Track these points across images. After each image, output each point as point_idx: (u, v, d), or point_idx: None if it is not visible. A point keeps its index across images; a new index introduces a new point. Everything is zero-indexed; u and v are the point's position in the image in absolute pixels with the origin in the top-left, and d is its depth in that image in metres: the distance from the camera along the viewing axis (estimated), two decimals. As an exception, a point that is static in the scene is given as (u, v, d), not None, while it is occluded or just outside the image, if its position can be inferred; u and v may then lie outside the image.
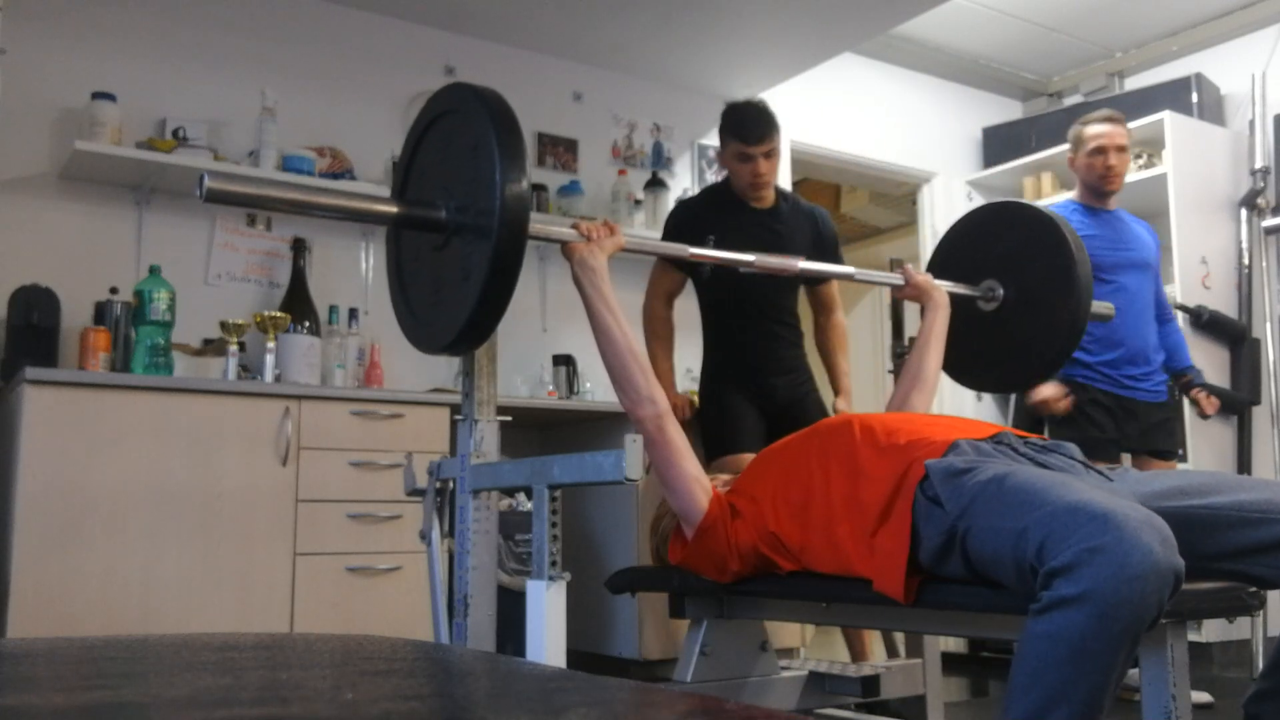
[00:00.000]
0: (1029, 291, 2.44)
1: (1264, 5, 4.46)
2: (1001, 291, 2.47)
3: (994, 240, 2.53)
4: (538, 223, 1.83)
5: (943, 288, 2.43)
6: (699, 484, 1.88)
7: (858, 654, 3.03)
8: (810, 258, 2.97)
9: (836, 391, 3.12)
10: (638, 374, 1.89)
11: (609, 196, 4.18)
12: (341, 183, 3.56)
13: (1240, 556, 1.57)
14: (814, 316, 3.21)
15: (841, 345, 3.19)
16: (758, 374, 2.96)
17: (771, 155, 2.91)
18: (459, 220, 1.73)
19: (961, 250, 2.59)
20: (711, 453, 2.91)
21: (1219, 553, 1.58)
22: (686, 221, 2.98)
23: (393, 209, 1.78)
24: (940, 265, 2.59)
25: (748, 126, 2.89)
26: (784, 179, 4.38)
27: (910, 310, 3.79)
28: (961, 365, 2.53)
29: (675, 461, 1.88)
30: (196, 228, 3.51)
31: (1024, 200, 2.83)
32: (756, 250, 2.92)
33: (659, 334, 3.04)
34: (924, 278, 2.42)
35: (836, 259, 3.05)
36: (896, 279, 2.44)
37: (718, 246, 2.88)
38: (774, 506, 1.81)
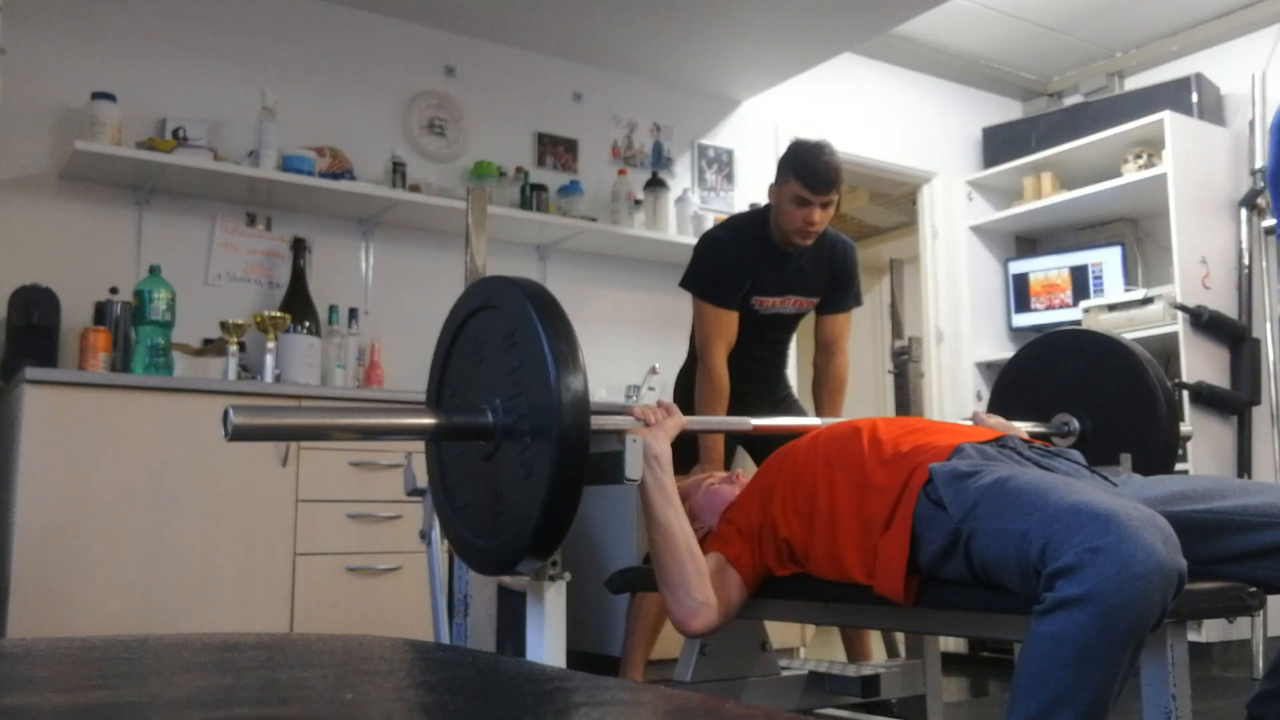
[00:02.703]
0: (1107, 419, 2.29)
1: (1264, 5, 4.46)
2: (1077, 425, 2.32)
3: (1055, 372, 2.38)
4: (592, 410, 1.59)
5: (1018, 427, 2.28)
6: (742, 590, 1.80)
7: (856, 654, 3.02)
8: (825, 289, 2.96)
9: None
10: (694, 577, 1.72)
11: (609, 196, 4.18)
12: (341, 183, 3.56)
13: (1243, 560, 1.57)
14: (815, 355, 3.11)
15: (837, 398, 3.05)
16: (744, 397, 2.93)
17: (829, 206, 2.79)
18: (509, 424, 1.55)
19: (1022, 388, 2.45)
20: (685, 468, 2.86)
21: (1221, 556, 1.58)
22: (725, 264, 2.87)
23: (431, 421, 1.59)
24: (1002, 407, 2.44)
25: (817, 174, 2.73)
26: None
27: (910, 310, 3.78)
28: None
29: (732, 612, 1.79)
30: (196, 228, 3.51)
31: (1081, 327, 2.67)
32: (783, 290, 2.90)
33: (720, 408, 2.79)
34: (995, 420, 2.27)
35: (850, 289, 3.02)
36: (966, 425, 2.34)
37: (751, 291, 2.86)
38: (784, 513, 1.80)
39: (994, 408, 2.47)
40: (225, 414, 1.39)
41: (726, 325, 2.85)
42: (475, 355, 1.68)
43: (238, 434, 1.40)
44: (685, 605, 1.71)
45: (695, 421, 1.92)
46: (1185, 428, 2.45)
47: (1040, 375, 2.44)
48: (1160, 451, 2.23)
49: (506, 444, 1.56)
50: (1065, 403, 2.36)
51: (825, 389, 3.05)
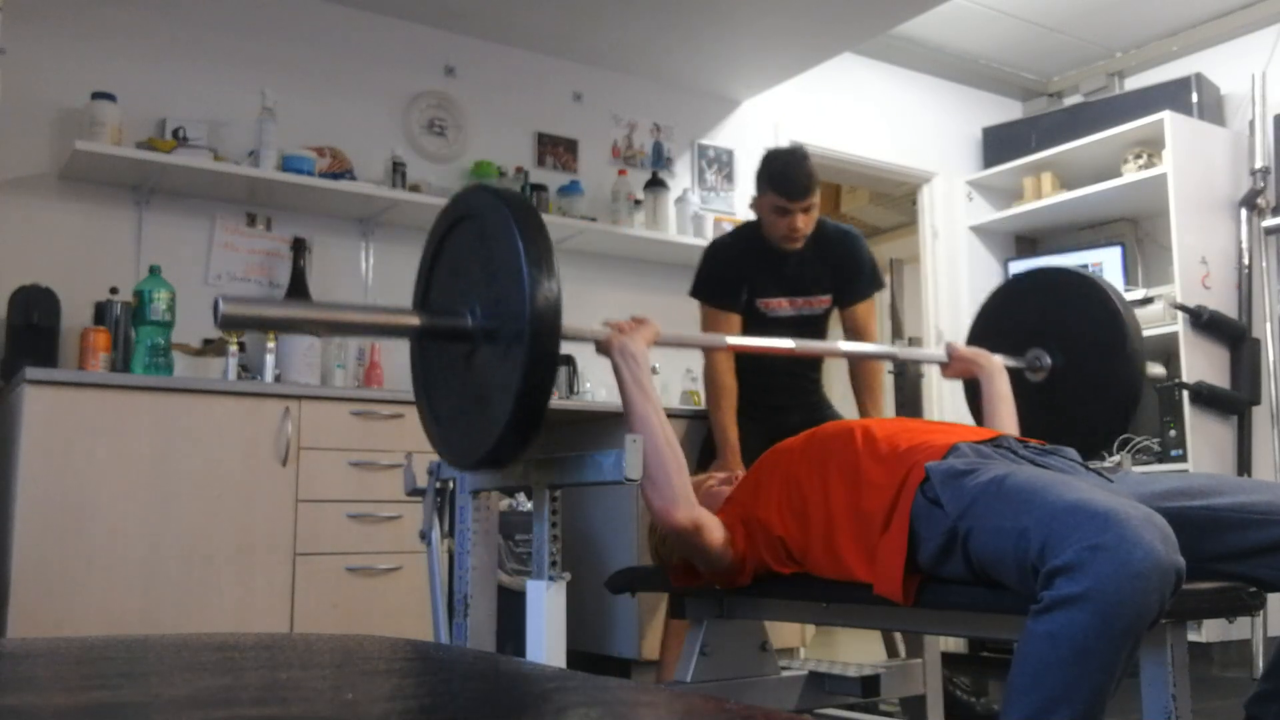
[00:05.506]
0: (1079, 359, 2.33)
1: (1264, 5, 4.45)
2: (1049, 361, 2.36)
3: (1034, 308, 2.43)
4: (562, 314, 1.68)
5: (995, 359, 2.32)
6: (726, 544, 1.82)
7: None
8: (835, 285, 2.95)
9: None
10: (675, 473, 1.76)
11: (609, 196, 4.18)
12: (341, 183, 3.56)
13: (1241, 558, 1.57)
14: None
15: (872, 388, 3.01)
16: (776, 411, 2.91)
17: (810, 210, 2.79)
18: (487, 327, 1.62)
19: (1000, 321, 2.49)
20: (702, 468, 2.86)
21: (1219, 554, 1.58)
22: (722, 270, 2.91)
23: (415, 321, 1.69)
24: (980, 338, 2.48)
25: (790, 181, 2.75)
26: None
27: (910, 310, 3.79)
28: None
29: (710, 545, 1.80)
30: (196, 228, 3.50)
31: (1063, 265, 2.72)
32: (784, 290, 2.91)
33: (726, 402, 2.80)
34: (969, 349, 2.33)
35: (858, 276, 2.99)
36: (940, 356, 2.36)
37: (752, 294, 2.88)
38: (780, 513, 1.81)
39: (972, 340, 2.50)
40: (215, 303, 1.47)
41: (724, 325, 2.87)
42: (458, 262, 1.76)
43: (226, 322, 1.49)
44: (666, 495, 1.76)
45: (670, 335, 1.99)
46: (1154, 369, 2.48)
47: (1018, 310, 2.48)
48: (1122, 394, 2.26)
49: (484, 346, 1.63)
50: (1038, 338, 2.41)
51: (860, 377, 3.03)
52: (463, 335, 1.66)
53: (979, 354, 2.31)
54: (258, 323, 1.57)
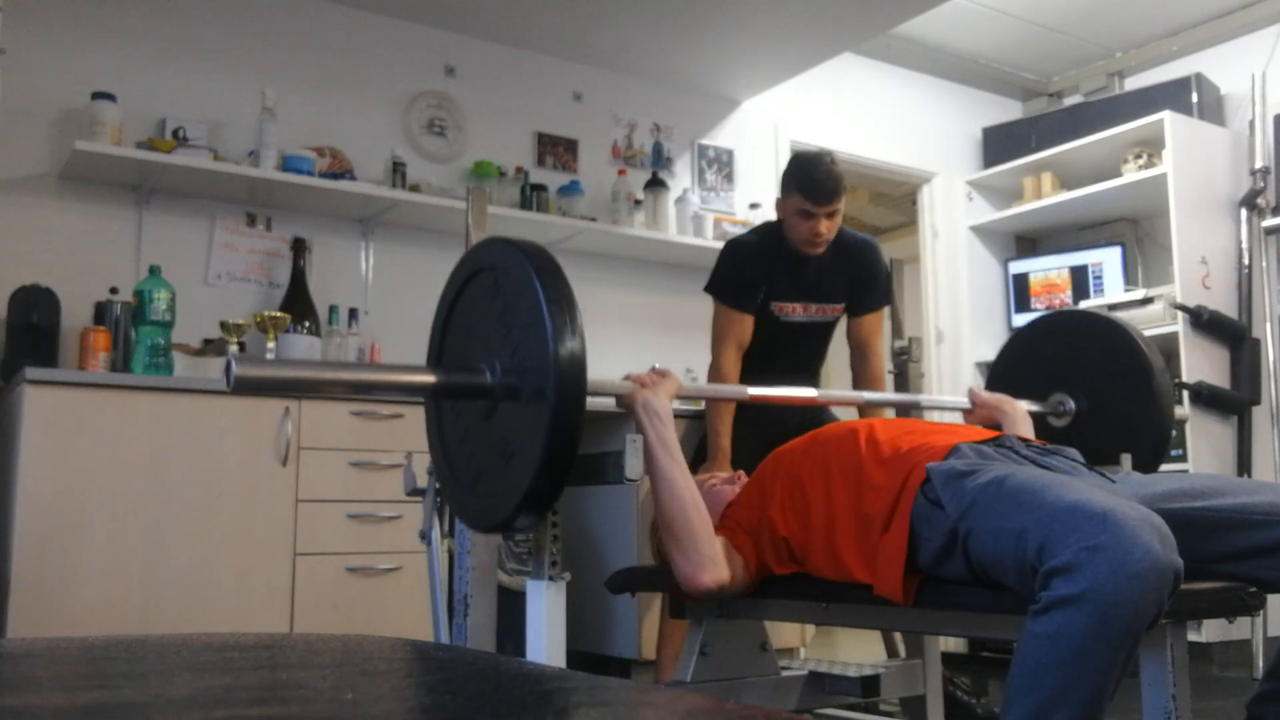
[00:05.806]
0: (1103, 403, 2.31)
1: (1264, 5, 4.45)
2: (1073, 405, 2.34)
3: (1055, 352, 2.41)
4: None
5: (1019, 405, 2.29)
6: (743, 572, 1.81)
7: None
8: (850, 294, 2.95)
9: None
10: (701, 532, 1.71)
11: (609, 196, 4.18)
12: (341, 183, 3.56)
13: (1242, 559, 1.58)
14: (850, 359, 3.09)
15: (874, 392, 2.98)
16: (775, 410, 2.88)
17: (834, 215, 2.78)
18: (507, 384, 1.56)
19: (1021, 366, 2.47)
20: (695, 467, 2.85)
21: (1221, 555, 1.58)
22: (741, 270, 2.90)
23: (431, 379, 1.61)
24: (1000, 383, 2.45)
25: (818, 186, 2.73)
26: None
27: (910, 310, 3.78)
28: None
29: (732, 591, 1.79)
30: (196, 228, 3.50)
31: (1086, 309, 2.68)
32: (801, 295, 2.90)
33: (725, 405, 2.79)
34: (992, 395, 2.30)
35: (872, 289, 3.00)
36: (964, 403, 2.32)
37: (768, 296, 2.87)
38: (784, 514, 1.81)
39: (991, 385, 2.47)
40: (227, 365, 1.41)
41: (737, 326, 2.87)
42: (475, 316, 1.69)
43: (240, 385, 1.41)
44: (693, 559, 1.71)
45: (692, 388, 1.93)
46: (1180, 410, 2.46)
47: (1039, 354, 2.45)
48: (1151, 437, 2.24)
49: (505, 404, 1.57)
50: (1060, 383, 2.38)
51: (864, 384, 3.03)
52: (482, 392, 1.59)
53: (1003, 400, 2.28)
54: (271, 383, 1.52)
